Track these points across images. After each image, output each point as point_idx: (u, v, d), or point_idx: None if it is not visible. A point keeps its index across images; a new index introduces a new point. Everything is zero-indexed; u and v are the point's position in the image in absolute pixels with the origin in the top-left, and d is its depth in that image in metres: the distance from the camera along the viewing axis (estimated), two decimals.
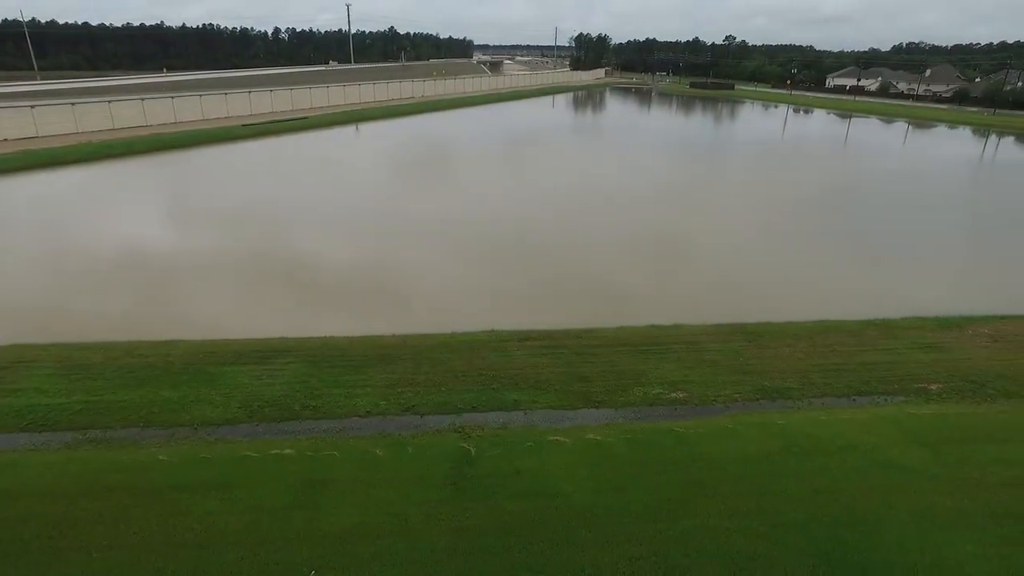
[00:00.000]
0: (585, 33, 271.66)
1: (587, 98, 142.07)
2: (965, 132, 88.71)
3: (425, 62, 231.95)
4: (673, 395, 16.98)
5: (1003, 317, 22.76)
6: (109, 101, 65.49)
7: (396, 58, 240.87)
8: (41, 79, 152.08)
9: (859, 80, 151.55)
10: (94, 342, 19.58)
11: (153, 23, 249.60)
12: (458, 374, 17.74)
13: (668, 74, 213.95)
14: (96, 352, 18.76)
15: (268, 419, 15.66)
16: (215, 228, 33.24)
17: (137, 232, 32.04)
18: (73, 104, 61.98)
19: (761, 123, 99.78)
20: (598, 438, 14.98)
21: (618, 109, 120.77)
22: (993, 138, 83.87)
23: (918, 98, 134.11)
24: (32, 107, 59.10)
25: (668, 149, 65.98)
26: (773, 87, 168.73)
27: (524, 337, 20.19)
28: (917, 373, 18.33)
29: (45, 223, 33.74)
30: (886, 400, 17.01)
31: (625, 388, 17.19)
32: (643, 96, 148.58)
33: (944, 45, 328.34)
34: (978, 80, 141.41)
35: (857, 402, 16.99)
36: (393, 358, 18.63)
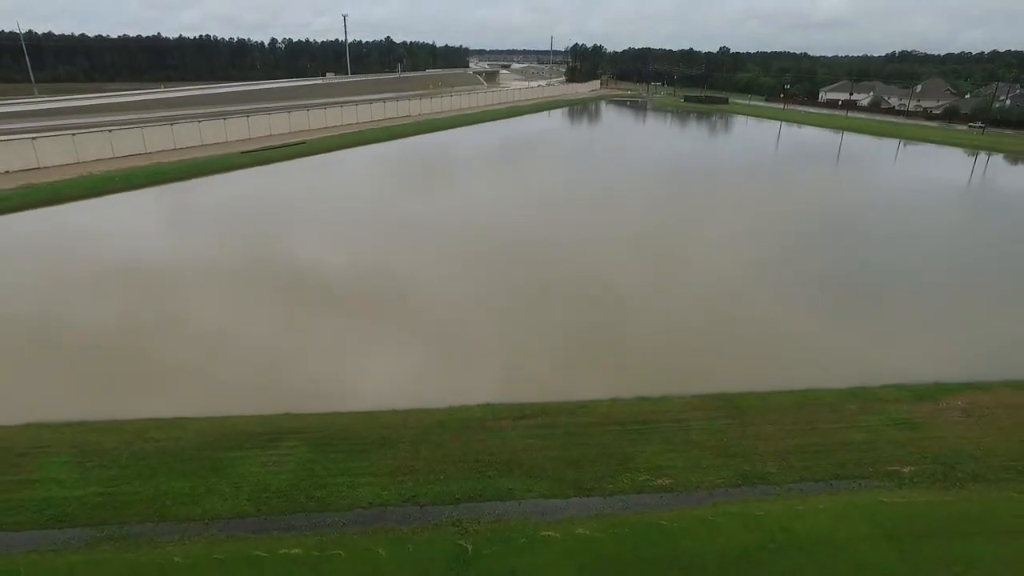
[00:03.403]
0: (580, 44, 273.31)
1: (582, 113, 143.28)
2: (953, 155, 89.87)
3: (422, 72, 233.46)
4: (659, 482, 17.93)
5: (979, 386, 23.76)
6: (109, 130, 66.22)
7: (393, 68, 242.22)
8: (39, 93, 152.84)
9: (851, 94, 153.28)
10: (107, 421, 20.43)
11: (150, 34, 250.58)
12: (455, 459, 18.65)
13: (663, 84, 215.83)
14: (109, 434, 19.60)
15: (275, 512, 16.54)
16: (211, 286, 34.02)
17: (138, 287, 32.90)
18: (74, 135, 62.68)
19: (751, 144, 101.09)
20: (587, 532, 15.93)
21: (610, 130, 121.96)
22: (981, 161, 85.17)
23: (909, 114, 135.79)
24: (33, 139, 59.85)
25: (655, 181, 66.86)
26: (767, 100, 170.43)
27: (519, 414, 21.12)
28: (891, 455, 19.32)
29: (45, 277, 34.53)
30: (860, 486, 17.99)
31: (614, 475, 18.13)
32: (637, 111, 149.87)
33: (937, 53, 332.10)
34: (968, 96, 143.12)
35: (833, 487, 17.97)
36: (394, 440, 19.53)
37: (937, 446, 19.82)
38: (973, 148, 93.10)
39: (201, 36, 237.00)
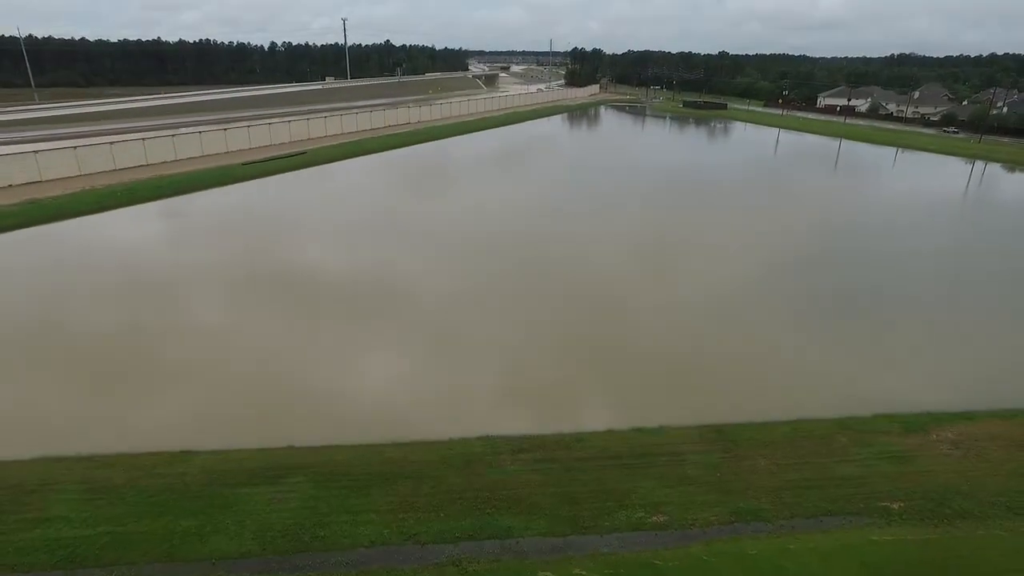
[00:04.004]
0: (580, 47, 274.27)
1: (581, 119, 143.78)
2: (949, 164, 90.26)
3: (421, 76, 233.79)
4: (654, 519, 18.37)
5: (969, 416, 24.22)
6: (111, 143, 66.65)
7: (392, 71, 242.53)
8: (39, 98, 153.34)
9: (849, 100, 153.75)
10: (114, 455, 20.86)
11: (149, 37, 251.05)
12: (456, 496, 19.09)
13: (662, 88, 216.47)
14: (117, 469, 20.04)
15: (280, 551, 16.97)
16: (211, 310, 34.45)
17: (140, 311, 33.36)
18: (76, 148, 63.11)
19: (748, 153, 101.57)
20: (583, 573, 16.37)
21: (607, 141, 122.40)
22: (977, 171, 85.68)
23: (907, 121, 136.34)
24: (36, 152, 60.29)
25: (650, 195, 67.25)
26: (766, 105, 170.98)
27: (517, 448, 21.57)
28: (881, 490, 19.77)
29: (49, 301, 34.95)
30: (851, 523, 18.44)
31: (610, 511, 18.57)
32: (637, 117, 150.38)
33: (935, 56, 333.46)
34: (965, 103, 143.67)
35: (824, 524, 18.41)
36: (395, 476, 19.97)
37: (927, 481, 20.27)
38: (970, 157, 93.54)
39: (201, 40, 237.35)
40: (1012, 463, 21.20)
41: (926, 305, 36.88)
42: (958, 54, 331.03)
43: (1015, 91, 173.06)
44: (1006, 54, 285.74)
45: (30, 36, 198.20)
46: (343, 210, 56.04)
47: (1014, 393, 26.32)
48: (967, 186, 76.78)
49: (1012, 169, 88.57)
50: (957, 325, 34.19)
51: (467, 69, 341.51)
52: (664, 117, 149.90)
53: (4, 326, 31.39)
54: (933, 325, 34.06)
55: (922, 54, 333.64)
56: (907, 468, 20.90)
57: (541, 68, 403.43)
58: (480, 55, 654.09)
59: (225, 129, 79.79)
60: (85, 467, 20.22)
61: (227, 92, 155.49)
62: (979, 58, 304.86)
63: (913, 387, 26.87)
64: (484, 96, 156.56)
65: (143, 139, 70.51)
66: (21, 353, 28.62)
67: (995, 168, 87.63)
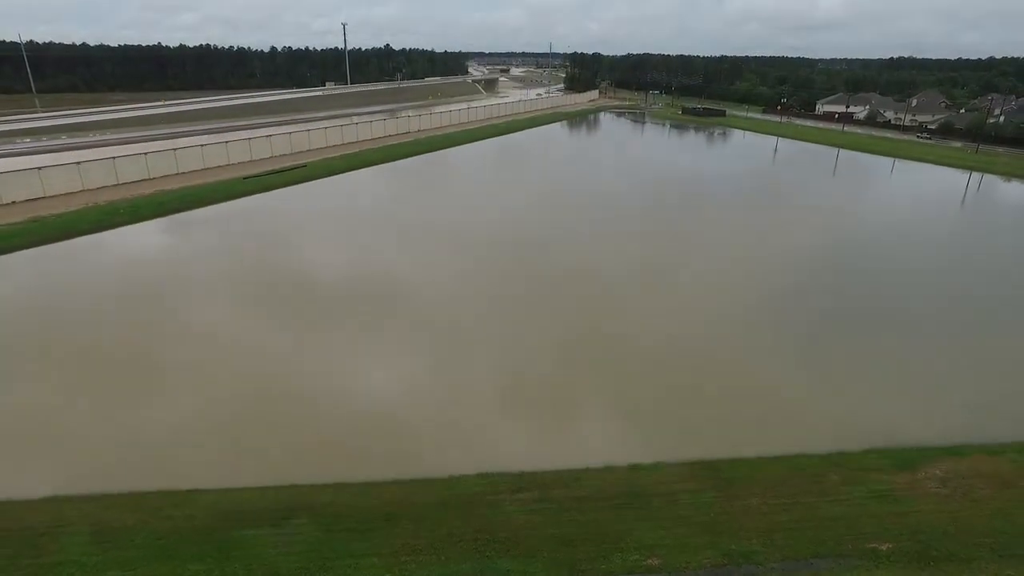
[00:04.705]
0: (579, 52, 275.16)
1: (581, 125, 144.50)
2: (945, 177, 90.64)
3: (421, 81, 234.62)
4: (648, 562, 18.93)
5: (957, 451, 24.80)
6: (113, 158, 67.20)
7: (392, 75, 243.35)
8: (40, 105, 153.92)
9: (847, 107, 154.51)
10: (124, 494, 21.41)
11: (149, 40, 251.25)
12: (456, 538, 19.64)
13: (661, 94, 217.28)
14: (126, 511, 20.58)
15: None
16: (216, 343, 34.96)
17: (145, 346, 33.93)
18: (79, 163, 63.68)
19: (746, 163, 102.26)
20: None
21: (607, 149, 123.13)
22: (974, 184, 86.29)
23: (904, 129, 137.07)
24: (39, 169, 60.83)
25: (646, 212, 67.96)
26: (764, 111, 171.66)
27: (516, 486, 22.12)
28: (870, 531, 20.32)
29: (51, 333, 35.49)
30: (840, 565, 19.00)
31: (606, 554, 19.12)
32: (636, 124, 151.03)
33: (934, 57, 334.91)
34: (963, 111, 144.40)
35: (814, 566, 18.97)
36: (396, 517, 20.52)
37: (915, 521, 20.83)
38: (967, 169, 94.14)
39: (201, 45, 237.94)
40: (997, 502, 21.76)
41: (918, 330, 37.32)
42: (955, 57, 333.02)
43: (1013, 97, 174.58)
44: (1004, 58, 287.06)
45: (31, 42, 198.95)
46: (342, 229, 56.57)
47: (1002, 425, 26.94)
48: (963, 200, 77.35)
49: (1008, 179, 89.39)
50: (948, 353, 34.66)
51: (466, 72, 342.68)
52: (663, 124, 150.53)
53: (10, 356, 31.91)
54: (927, 352, 34.55)
55: (921, 56, 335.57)
56: (896, 508, 21.45)
57: (541, 71, 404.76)
58: (479, 57, 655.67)
59: (227, 143, 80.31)
60: (95, 507, 20.75)
61: (228, 100, 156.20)
62: (978, 62, 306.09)
63: (905, 419, 27.42)
64: (484, 103, 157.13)
65: (145, 153, 71.04)
66: (28, 385, 29.13)
67: (991, 180, 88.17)
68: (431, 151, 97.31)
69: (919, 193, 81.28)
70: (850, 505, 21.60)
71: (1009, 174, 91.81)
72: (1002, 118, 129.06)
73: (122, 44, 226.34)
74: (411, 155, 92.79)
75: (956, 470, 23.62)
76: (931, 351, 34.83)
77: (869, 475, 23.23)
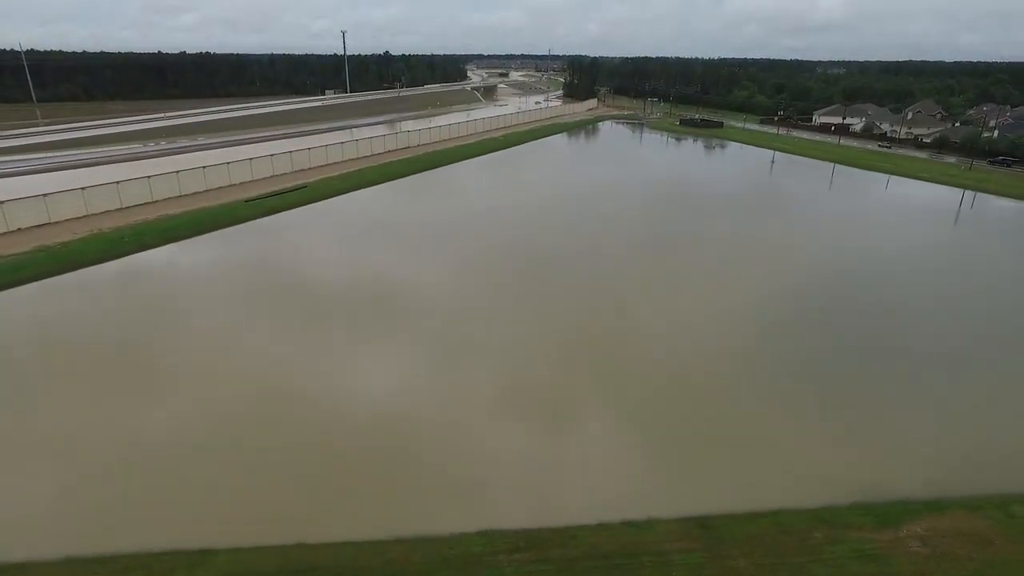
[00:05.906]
0: (578, 56, 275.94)
1: (580, 133, 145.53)
2: (938, 197, 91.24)
3: (420, 89, 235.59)
4: None
5: (938, 505, 25.78)
6: (117, 182, 68.07)
7: (391, 83, 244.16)
8: (41, 115, 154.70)
9: (844, 118, 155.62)
10: (136, 554, 22.31)
11: (149, 46, 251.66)
12: None
13: (659, 101, 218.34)
14: (139, 573, 21.46)
15: None
16: (221, 395, 35.79)
17: (150, 395, 34.79)
18: (84, 189, 64.49)
19: (741, 184, 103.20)
20: None
21: (604, 163, 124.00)
22: (966, 204, 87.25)
23: (900, 142, 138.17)
24: (45, 196, 61.65)
25: (642, 233, 68.81)
26: (762, 122, 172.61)
27: (514, 546, 23.06)
28: None
29: (59, 380, 36.32)
30: None
31: None
32: (634, 135, 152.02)
33: (932, 59, 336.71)
34: (958, 124, 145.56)
35: None
36: None
37: None
38: (960, 187, 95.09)
39: (201, 52, 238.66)
40: (974, 563, 22.73)
41: (906, 374, 37.91)
42: (953, 60, 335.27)
43: (1007, 107, 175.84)
44: (1001, 62, 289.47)
45: (31, 50, 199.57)
46: (344, 260, 57.45)
47: (983, 478, 27.93)
48: (955, 221, 78.20)
49: (1000, 196, 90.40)
50: (931, 403, 34.83)
51: (466, 77, 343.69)
52: (662, 135, 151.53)
53: (16, 409, 32.76)
54: (912, 398, 35.06)
55: (919, 59, 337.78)
56: (878, 569, 22.41)
57: (540, 75, 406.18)
58: (479, 59, 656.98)
59: (228, 163, 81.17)
60: (109, 571, 21.65)
61: (228, 111, 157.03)
62: (976, 66, 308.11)
63: (889, 471, 28.35)
64: (483, 115, 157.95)
65: (148, 176, 71.90)
66: (40, 443, 29.93)
67: (984, 201, 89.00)
68: (430, 168, 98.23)
69: (910, 217, 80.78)
70: (834, 566, 22.56)
71: (1000, 193, 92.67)
72: (996, 132, 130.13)
73: (122, 49, 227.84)
74: (410, 173, 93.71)
75: (937, 528, 24.57)
76: (917, 398, 35.42)
77: (852, 533, 24.20)
